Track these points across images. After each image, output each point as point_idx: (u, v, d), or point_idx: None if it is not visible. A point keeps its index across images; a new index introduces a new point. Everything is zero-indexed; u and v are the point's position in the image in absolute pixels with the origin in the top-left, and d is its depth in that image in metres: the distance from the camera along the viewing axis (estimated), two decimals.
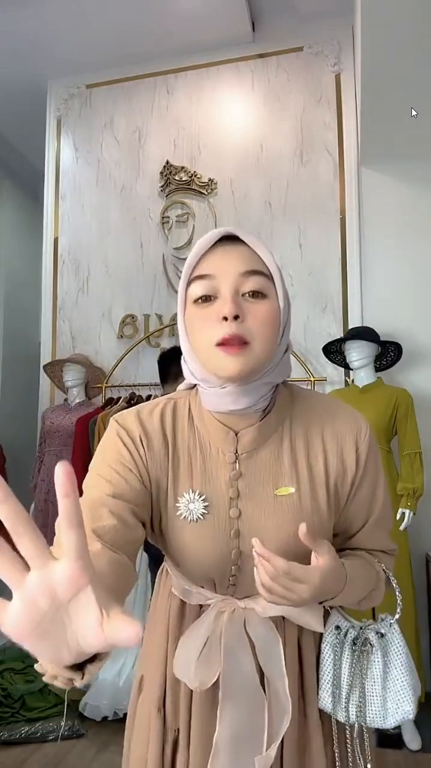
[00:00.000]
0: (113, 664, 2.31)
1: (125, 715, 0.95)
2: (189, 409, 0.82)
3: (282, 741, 0.77)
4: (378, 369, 2.50)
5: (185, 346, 0.78)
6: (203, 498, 0.77)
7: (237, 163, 3.09)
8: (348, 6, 2.77)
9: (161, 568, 0.93)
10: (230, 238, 0.74)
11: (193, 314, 0.74)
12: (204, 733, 0.79)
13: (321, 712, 0.82)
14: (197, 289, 0.73)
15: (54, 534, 0.58)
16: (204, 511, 0.76)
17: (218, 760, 0.75)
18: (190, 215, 3.13)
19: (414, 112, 2.42)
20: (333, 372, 2.78)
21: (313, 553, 0.70)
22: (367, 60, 2.21)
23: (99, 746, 2.19)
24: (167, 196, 3.18)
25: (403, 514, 2.22)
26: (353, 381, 2.51)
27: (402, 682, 0.79)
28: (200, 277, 0.73)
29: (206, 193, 3.11)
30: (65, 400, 3.08)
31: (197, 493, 0.77)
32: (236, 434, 0.78)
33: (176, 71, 3.23)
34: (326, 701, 0.81)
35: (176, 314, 3.07)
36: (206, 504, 0.76)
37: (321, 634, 0.82)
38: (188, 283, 0.75)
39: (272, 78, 3.09)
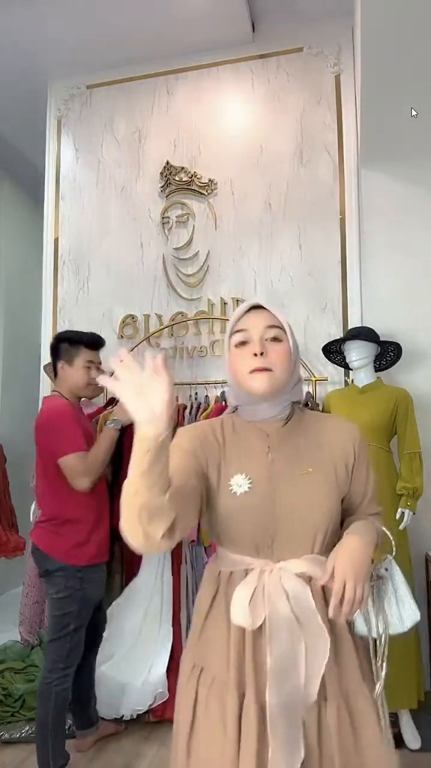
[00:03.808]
0: (140, 668, 2.33)
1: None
2: (233, 423, 1.18)
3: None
4: (377, 369, 2.50)
5: (230, 378, 1.15)
6: (248, 477, 1.08)
7: (237, 163, 3.09)
8: (348, 7, 2.78)
9: (207, 563, 1.21)
10: (256, 306, 1.15)
11: (235, 354, 1.12)
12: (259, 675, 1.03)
13: (351, 634, 1.10)
14: (237, 338, 1.12)
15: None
16: (249, 486, 1.07)
17: (272, 685, 0.99)
18: (190, 215, 3.14)
19: (413, 113, 2.43)
20: (333, 372, 2.78)
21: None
22: (367, 60, 2.21)
23: (99, 746, 2.19)
24: (167, 196, 3.18)
25: (403, 513, 2.22)
26: (352, 381, 2.51)
27: (407, 596, 1.17)
28: (239, 330, 1.13)
29: (206, 193, 3.12)
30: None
31: (243, 474, 1.08)
32: (268, 435, 1.13)
33: (176, 72, 3.24)
34: (361, 626, 1.12)
35: (175, 314, 3.10)
36: (250, 482, 1.08)
37: None
38: (231, 335, 1.14)
39: (272, 78, 3.09)
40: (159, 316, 3.10)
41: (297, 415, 1.17)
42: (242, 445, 1.13)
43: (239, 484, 1.07)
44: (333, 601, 1.00)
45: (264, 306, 1.15)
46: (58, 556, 1.96)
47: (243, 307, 1.17)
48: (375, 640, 1.11)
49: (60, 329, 3.28)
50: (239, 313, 1.16)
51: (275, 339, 1.11)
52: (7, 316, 4.36)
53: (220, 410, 2.52)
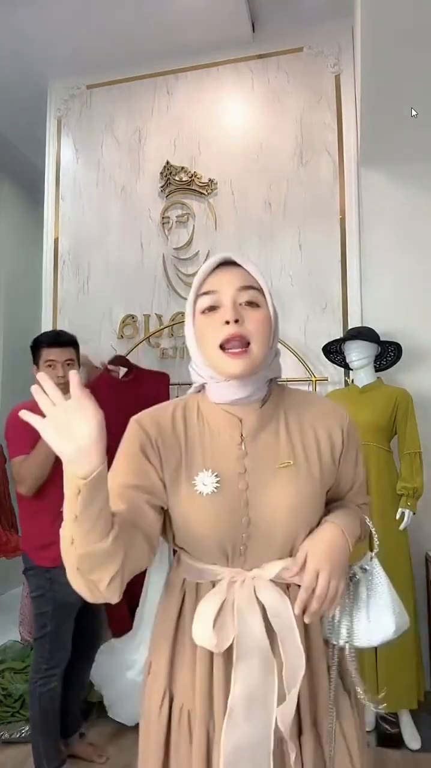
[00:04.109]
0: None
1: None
2: (198, 406, 0.97)
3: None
4: (378, 369, 2.50)
5: (193, 350, 0.95)
6: (215, 474, 0.90)
7: (237, 163, 3.09)
8: (348, 7, 2.77)
9: (170, 566, 1.04)
10: (227, 262, 0.94)
11: (201, 322, 0.92)
12: (214, 702, 0.88)
13: (324, 647, 0.94)
14: (204, 302, 0.91)
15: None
16: (217, 485, 0.89)
17: (233, 720, 0.83)
18: (190, 215, 3.14)
19: (413, 113, 2.43)
20: (333, 372, 2.78)
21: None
22: (367, 61, 2.21)
23: (100, 747, 2.19)
24: (167, 196, 3.18)
25: (403, 513, 2.22)
26: (353, 381, 2.51)
27: (383, 604, 0.94)
28: (206, 293, 0.91)
29: (206, 193, 3.12)
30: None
31: (210, 471, 0.90)
32: (241, 421, 0.93)
33: (176, 72, 3.24)
34: (324, 629, 0.95)
35: (175, 314, 3.08)
36: (218, 479, 0.90)
37: None
38: (196, 298, 0.93)
39: (272, 78, 3.09)
40: (159, 316, 3.10)
41: (276, 395, 0.96)
42: (209, 435, 0.93)
43: (204, 482, 0.89)
44: (302, 595, 0.86)
45: (237, 261, 0.93)
46: (30, 555, 1.99)
47: (211, 262, 0.93)
48: (334, 647, 0.94)
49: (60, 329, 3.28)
50: (206, 271, 0.93)
51: (251, 303, 0.90)
52: (7, 316, 4.36)
53: None
